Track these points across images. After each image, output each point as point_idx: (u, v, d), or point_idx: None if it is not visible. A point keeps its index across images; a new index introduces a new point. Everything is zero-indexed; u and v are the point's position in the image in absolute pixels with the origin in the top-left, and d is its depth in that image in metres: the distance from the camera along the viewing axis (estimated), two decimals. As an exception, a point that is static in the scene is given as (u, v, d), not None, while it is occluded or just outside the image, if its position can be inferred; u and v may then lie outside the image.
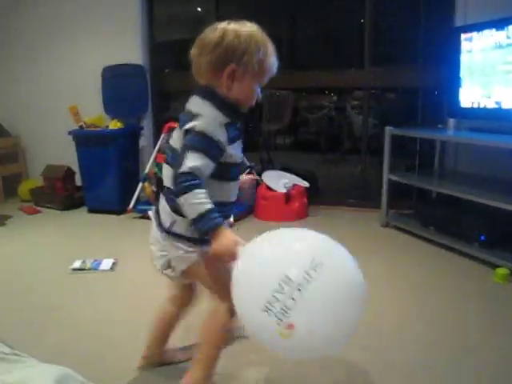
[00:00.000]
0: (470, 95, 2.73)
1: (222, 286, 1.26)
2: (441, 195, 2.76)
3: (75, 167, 3.69)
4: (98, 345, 1.73)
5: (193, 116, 1.21)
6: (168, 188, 1.30)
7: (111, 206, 3.53)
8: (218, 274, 1.30)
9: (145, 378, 1.53)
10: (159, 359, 1.58)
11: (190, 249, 1.28)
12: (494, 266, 2.28)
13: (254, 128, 3.89)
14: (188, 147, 1.18)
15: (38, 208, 3.72)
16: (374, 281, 2.20)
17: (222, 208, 1.26)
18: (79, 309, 2.02)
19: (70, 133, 3.48)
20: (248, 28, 1.22)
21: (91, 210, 3.60)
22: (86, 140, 3.49)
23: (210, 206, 1.16)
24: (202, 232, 1.19)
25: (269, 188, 3.34)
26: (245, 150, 2.89)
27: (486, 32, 2.56)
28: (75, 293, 2.19)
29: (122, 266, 2.49)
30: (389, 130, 2.96)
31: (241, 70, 1.22)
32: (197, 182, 1.15)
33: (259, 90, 1.29)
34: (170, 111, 4.22)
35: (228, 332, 1.39)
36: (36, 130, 4.12)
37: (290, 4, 3.74)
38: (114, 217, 3.46)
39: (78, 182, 3.73)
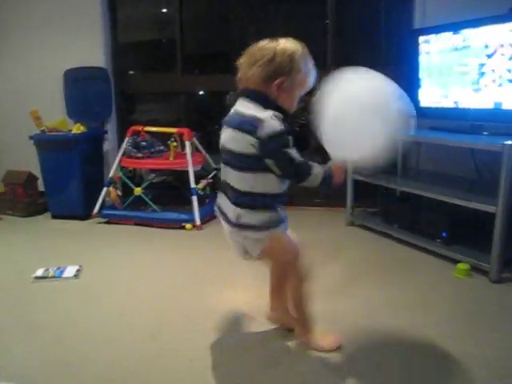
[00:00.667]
0: (430, 95, 2.81)
1: (290, 254, 1.55)
2: (404, 193, 2.82)
3: (37, 172, 3.60)
4: (63, 353, 1.69)
5: (258, 120, 1.38)
6: (232, 187, 1.49)
7: (75, 211, 3.45)
8: (284, 246, 1.54)
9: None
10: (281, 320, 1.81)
11: (258, 234, 1.47)
12: (456, 262, 2.35)
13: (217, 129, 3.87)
14: (282, 148, 1.40)
15: (-1, 215, 3.61)
16: (339, 279, 2.25)
17: (278, 199, 1.50)
18: (41, 317, 1.97)
19: (31, 137, 3.39)
20: (295, 46, 1.45)
21: (55, 216, 3.51)
22: (48, 145, 3.40)
23: (321, 168, 1.46)
24: (329, 186, 1.48)
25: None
26: (207, 152, 2.90)
27: (443, 34, 2.64)
28: (38, 301, 2.13)
29: (87, 272, 2.44)
30: (352, 130, 2.99)
31: (288, 83, 1.43)
32: (309, 163, 1.45)
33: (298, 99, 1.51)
34: (134, 114, 4.16)
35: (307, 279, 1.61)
36: (-5, 134, 4.00)
37: (253, 6, 3.75)
38: (78, 222, 3.39)
39: (41, 187, 3.64)
